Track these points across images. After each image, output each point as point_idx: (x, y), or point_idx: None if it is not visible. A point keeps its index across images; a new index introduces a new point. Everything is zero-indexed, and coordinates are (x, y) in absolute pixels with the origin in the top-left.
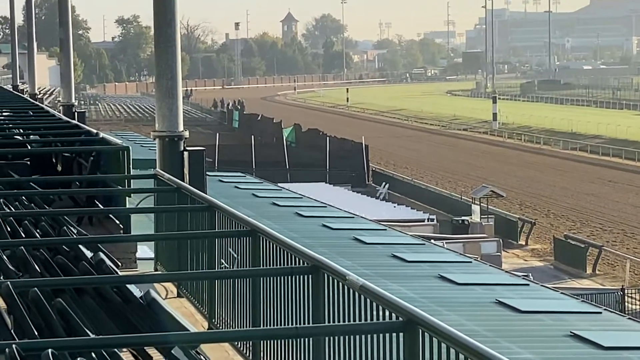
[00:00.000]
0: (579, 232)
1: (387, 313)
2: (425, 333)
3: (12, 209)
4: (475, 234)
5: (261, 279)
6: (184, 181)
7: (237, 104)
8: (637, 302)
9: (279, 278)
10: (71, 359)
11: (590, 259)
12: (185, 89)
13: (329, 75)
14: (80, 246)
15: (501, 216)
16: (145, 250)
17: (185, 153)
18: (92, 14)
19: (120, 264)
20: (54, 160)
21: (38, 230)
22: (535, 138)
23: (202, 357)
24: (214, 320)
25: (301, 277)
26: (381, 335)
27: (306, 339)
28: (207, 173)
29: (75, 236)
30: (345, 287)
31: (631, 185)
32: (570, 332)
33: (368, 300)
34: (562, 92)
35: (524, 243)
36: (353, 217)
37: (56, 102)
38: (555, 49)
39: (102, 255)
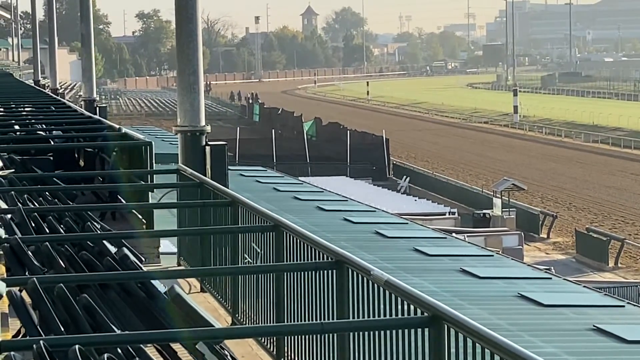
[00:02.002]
0: (601, 225)
1: (412, 308)
2: (450, 328)
3: (36, 204)
4: (497, 228)
5: (285, 274)
6: (205, 176)
7: (252, 96)
8: None
9: (302, 273)
10: (97, 354)
11: (613, 252)
12: (205, 83)
13: (349, 68)
14: (104, 241)
15: (523, 209)
16: (167, 245)
17: (207, 148)
18: (112, 8)
19: (143, 259)
20: (76, 156)
21: (62, 226)
22: (556, 131)
23: (226, 352)
24: (237, 316)
25: (325, 272)
26: (406, 330)
27: (331, 335)
28: (229, 167)
29: (99, 232)
30: (370, 282)
31: None
32: (593, 325)
33: (393, 295)
34: (583, 84)
35: (545, 236)
36: (374, 211)
37: (77, 96)
38: (576, 41)
39: (126, 250)
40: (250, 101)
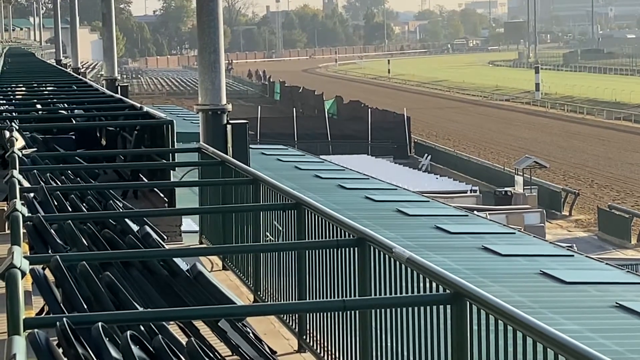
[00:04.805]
0: (623, 202)
1: (433, 285)
2: (473, 305)
3: (59, 183)
4: (519, 205)
5: (306, 251)
6: (227, 154)
7: (263, 74)
8: None
9: (324, 251)
10: (120, 331)
11: (635, 229)
12: (226, 62)
13: (370, 46)
14: (127, 220)
15: (544, 187)
16: (189, 223)
17: (229, 126)
18: None
19: (165, 237)
20: (98, 135)
21: (84, 204)
22: (578, 108)
23: (248, 329)
24: (259, 293)
25: (347, 249)
26: (428, 307)
27: (353, 312)
28: (250, 146)
29: (121, 210)
30: (391, 260)
31: None
32: (616, 302)
33: (414, 272)
34: (605, 61)
35: (567, 214)
36: (396, 189)
37: (99, 76)
38: (598, 17)
39: (148, 228)
40: (271, 79)
